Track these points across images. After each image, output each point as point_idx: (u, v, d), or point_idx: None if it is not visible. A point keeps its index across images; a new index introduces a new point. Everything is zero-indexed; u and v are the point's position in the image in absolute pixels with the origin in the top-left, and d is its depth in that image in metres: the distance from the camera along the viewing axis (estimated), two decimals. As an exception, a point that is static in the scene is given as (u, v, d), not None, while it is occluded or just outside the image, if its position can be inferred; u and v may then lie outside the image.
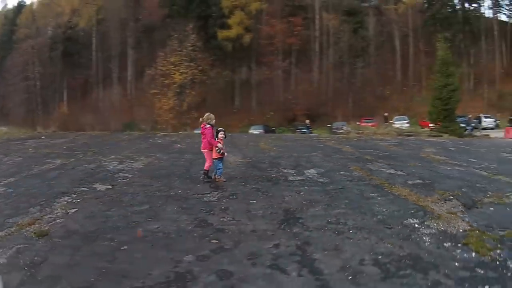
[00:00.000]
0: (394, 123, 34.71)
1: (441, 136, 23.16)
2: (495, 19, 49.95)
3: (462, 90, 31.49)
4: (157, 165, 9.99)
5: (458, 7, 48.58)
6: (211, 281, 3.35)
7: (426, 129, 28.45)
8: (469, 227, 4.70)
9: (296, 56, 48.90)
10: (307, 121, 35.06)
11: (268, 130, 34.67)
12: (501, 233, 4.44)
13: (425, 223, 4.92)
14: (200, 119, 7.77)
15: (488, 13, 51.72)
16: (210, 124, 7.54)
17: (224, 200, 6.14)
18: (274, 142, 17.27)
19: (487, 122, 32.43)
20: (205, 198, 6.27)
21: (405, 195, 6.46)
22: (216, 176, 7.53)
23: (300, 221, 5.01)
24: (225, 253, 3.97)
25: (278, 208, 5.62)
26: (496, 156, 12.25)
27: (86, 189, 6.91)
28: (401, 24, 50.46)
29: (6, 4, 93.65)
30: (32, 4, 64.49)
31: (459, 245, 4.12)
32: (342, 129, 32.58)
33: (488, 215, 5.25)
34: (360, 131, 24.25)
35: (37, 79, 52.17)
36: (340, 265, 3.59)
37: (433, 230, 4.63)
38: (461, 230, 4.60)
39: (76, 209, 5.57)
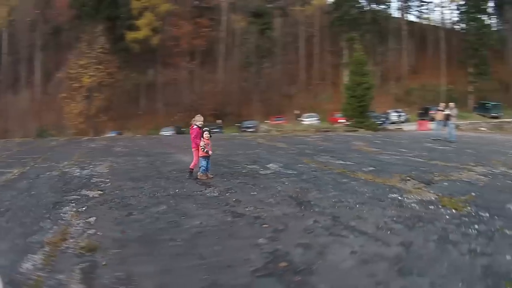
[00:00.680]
0: (304, 121, 38.10)
1: (357, 130, 26.44)
2: (403, 19, 57.46)
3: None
4: (122, 168, 10.25)
5: (367, 8, 55.11)
6: (302, 253, 4.11)
7: (337, 125, 31.96)
8: (437, 196, 6.43)
9: (202, 57, 51.66)
10: (219, 121, 36.86)
11: (179, 131, 35.85)
12: (463, 197, 6.25)
13: (404, 196, 6.51)
14: (192, 120, 8.62)
15: (397, 13, 60.38)
16: (196, 125, 8.41)
17: (227, 194, 6.91)
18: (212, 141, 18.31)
19: (397, 116, 37.20)
20: (208, 194, 6.96)
21: (371, 179, 8.09)
22: (198, 173, 8.36)
23: (311, 203, 6.16)
24: (284, 232, 4.80)
25: (283, 196, 6.64)
26: (421, 146, 15.07)
27: (77, 196, 6.98)
28: (307, 25, 55.60)
29: None
30: None
31: (440, 206, 5.79)
32: (253, 128, 34.82)
33: (445, 188, 7.10)
34: (280, 129, 26.39)
35: None
36: (374, 226, 4.92)
37: (414, 200, 6.24)
38: (433, 198, 6.30)
39: (94, 217, 5.63)
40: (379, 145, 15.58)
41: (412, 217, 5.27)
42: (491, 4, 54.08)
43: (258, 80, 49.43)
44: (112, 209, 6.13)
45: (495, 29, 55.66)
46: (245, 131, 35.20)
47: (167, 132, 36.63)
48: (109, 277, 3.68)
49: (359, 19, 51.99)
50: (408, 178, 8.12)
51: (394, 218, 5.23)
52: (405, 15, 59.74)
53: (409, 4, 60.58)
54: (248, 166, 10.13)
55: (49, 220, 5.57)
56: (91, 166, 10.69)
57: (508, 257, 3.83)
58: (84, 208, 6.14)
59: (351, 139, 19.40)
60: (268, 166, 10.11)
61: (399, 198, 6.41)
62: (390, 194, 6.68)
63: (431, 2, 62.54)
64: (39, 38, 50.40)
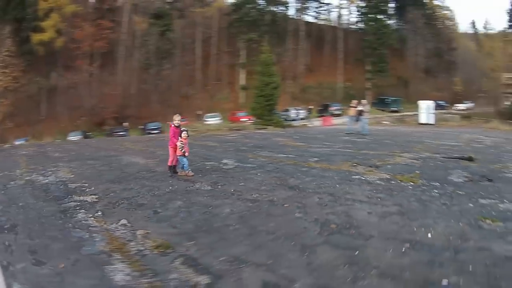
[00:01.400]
0: (207, 121, 39.91)
1: (266, 128, 28.83)
2: (301, 20, 62.35)
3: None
4: (86, 173, 10.53)
5: (267, 9, 59.43)
6: (336, 217, 5.57)
7: (245, 123, 34.17)
8: (390, 175, 8.58)
9: (103, 60, 52.10)
10: (126, 124, 37.17)
11: (86, 135, 35.49)
12: (411, 175, 8.48)
13: (365, 176, 8.54)
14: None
15: (296, 15, 65.76)
16: (174, 125, 9.47)
17: (220, 187, 7.99)
18: (135, 144, 18.95)
19: (297, 113, 40.66)
20: (203, 188, 7.91)
21: (326, 167, 10.01)
22: (183, 171, 9.35)
23: (300, 187, 7.67)
24: (307, 207, 6.17)
25: (271, 184, 8.02)
26: (340, 140, 17.73)
27: (76, 202, 7.22)
28: (205, 27, 58.67)
29: None
30: None
31: (399, 181, 7.90)
32: (158, 130, 35.69)
33: (391, 170, 9.30)
34: (195, 129, 27.62)
35: None
36: (365, 197, 6.74)
37: (375, 178, 8.28)
38: (388, 177, 8.43)
39: (124, 219, 6.00)
40: (302, 140, 17.84)
41: (385, 189, 7.28)
42: (392, 5, 62.98)
43: (158, 82, 51.03)
44: (130, 210, 6.62)
45: (395, 29, 65.02)
46: (149, 133, 35.69)
47: (75, 137, 36.00)
48: (218, 260, 4.31)
49: (258, 21, 56.09)
50: (355, 164, 10.19)
51: (374, 191, 7.16)
52: (303, 16, 66.35)
53: (307, 5, 66.50)
54: (207, 163, 11.20)
55: (78, 229, 5.71)
56: (50, 172, 10.69)
57: (470, 205, 5.98)
58: (100, 213, 6.46)
59: (270, 136, 21.47)
60: (224, 162, 11.34)
61: (363, 178, 8.40)
62: (353, 176, 8.64)
63: (329, 4, 69.72)
64: None
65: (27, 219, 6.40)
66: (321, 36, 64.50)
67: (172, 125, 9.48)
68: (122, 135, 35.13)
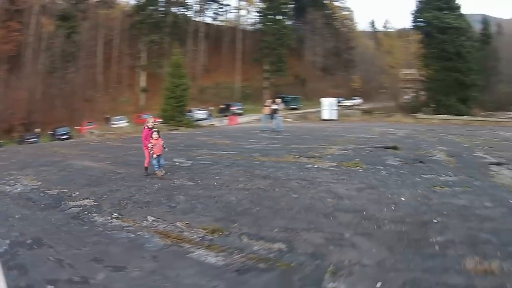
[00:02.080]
0: (114, 124, 39.50)
1: (178, 129, 29.75)
2: (201, 22, 63.39)
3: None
4: (53, 179, 10.43)
5: (168, 11, 59.16)
6: (334, 196, 7.09)
7: (159, 124, 34.54)
8: (336, 163, 10.52)
9: (11, 63, 49.29)
10: (37, 130, 35.94)
11: None
12: (353, 162, 10.51)
13: (316, 165, 10.34)
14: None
15: (196, 16, 67.16)
16: (148, 126, 10.28)
17: (200, 181, 8.74)
18: (65, 149, 18.55)
19: (201, 114, 41.88)
20: (186, 184, 8.66)
21: (274, 160, 11.41)
22: (156, 171, 9.99)
23: (271, 176, 9.05)
24: (304, 189, 7.49)
25: (245, 175, 9.17)
26: (261, 137, 19.08)
27: (76, 208, 7.33)
28: (108, 29, 57.84)
29: None
30: None
31: (348, 167, 9.86)
32: (67, 135, 34.61)
33: (333, 158, 11.26)
34: (113, 132, 27.50)
35: None
36: (333, 179, 8.48)
37: (326, 166, 10.11)
38: (335, 164, 10.38)
39: (149, 216, 6.48)
40: (226, 139, 18.94)
41: (343, 173, 9.19)
42: (291, 6, 66.82)
43: (62, 86, 50.17)
44: (144, 208, 7.00)
45: (294, 29, 69.05)
46: (59, 139, 34.22)
47: None
48: (274, 232, 5.35)
49: (160, 22, 56.44)
50: (297, 156, 11.90)
51: (335, 175, 9.01)
52: (202, 17, 68.10)
53: (207, 7, 68.38)
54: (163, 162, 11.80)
55: (115, 231, 5.90)
56: (11, 181, 10.23)
57: (418, 179, 8.16)
58: (116, 214, 6.72)
59: (191, 136, 22.31)
60: (178, 160, 11.88)
61: (316, 166, 10.18)
62: (306, 165, 10.31)
63: (228, 5, 71.59)
64: None
65: (45, 230, 6.15)
66: (219, 37, 66.88)
67: (146, 127, 10.28)
68: (33, 142, 33.12)
